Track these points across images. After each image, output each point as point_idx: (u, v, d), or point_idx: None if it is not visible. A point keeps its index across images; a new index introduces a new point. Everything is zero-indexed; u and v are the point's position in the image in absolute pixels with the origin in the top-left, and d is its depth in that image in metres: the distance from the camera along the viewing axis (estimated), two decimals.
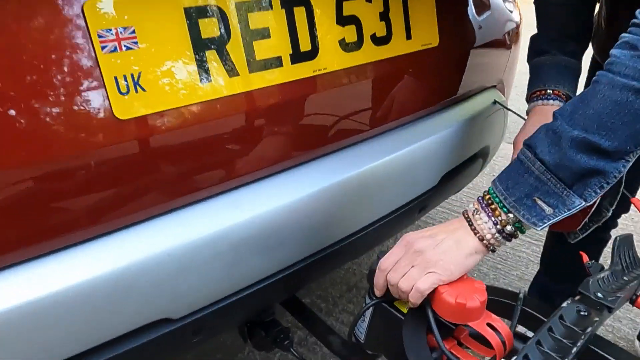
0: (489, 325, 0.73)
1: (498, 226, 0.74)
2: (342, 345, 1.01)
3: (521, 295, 0.81)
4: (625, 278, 0.89)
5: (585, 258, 0.99)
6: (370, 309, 0.86)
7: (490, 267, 1.93)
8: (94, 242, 0.66)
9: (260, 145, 0.80)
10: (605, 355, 0.71)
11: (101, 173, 0.64)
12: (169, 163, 0.70)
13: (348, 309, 1.70)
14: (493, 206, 0.74)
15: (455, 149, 1.15)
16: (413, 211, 1.11)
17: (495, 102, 1.25)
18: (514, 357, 0.65)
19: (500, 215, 0.74)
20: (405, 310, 0.84)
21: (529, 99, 1.10)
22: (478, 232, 0.74)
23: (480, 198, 0.77)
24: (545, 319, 0.78)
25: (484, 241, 0.74)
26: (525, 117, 1.11)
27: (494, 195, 0.75)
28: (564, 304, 0.76)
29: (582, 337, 0.69)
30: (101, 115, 0.62)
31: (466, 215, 0.77)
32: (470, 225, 0.75)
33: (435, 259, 0.73)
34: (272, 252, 0.83)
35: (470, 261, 0.74)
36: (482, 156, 1.30)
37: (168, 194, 0.72)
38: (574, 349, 0.67)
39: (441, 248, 0.74)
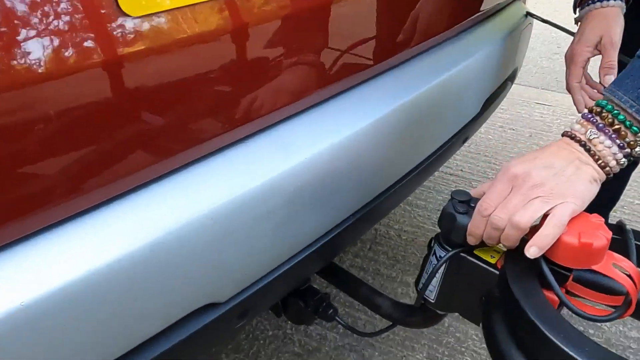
0: (615, 267, 0.59)
1: (626, 149, 0.60)
2: (393, 307, 0.86)
3: (628, 227, 0.68)
4: None
5: None
6: (446, 263, 0.71)
7: None
8: (106, 209, 0.45)
9: (309, 67, 0.59)
10: None
11: (101, 111, 0.42)
12: (194, 90, 0.49)
13: (356, 263, 1.57)
14: (617, 126, 0.59)
15: (495, 70, 0.99)
16: (458, 143, 0.95)
17: (528, 14, 1.08)
18: None
19: (627, 136, 0.59)
20: (490, 259, 0.69)
21: (580, 4, 0.95)
22: (600, 159, 0.60)
23: (590, 117, 0.62)
24: None
25: (607, 168, 0.60)
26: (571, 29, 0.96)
27: (615, 111, 0.60)
28: None
29: None
30: (103, 11, 0.40)
31: (579, 139, 0.61)
32: (589, 150, 0.60)
33: (562, 190, 0.58)
34: (327, 205, 0.65)
35: (594, 190, 0.60)
36: (511, 79, 1.15)
37: (200, 133, 0.51)
38: None
39: (564, 176, 0.59)
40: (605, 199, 1.38)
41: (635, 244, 0.67)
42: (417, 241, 1.67)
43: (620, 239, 0.69)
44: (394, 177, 0.78)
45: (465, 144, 2.22)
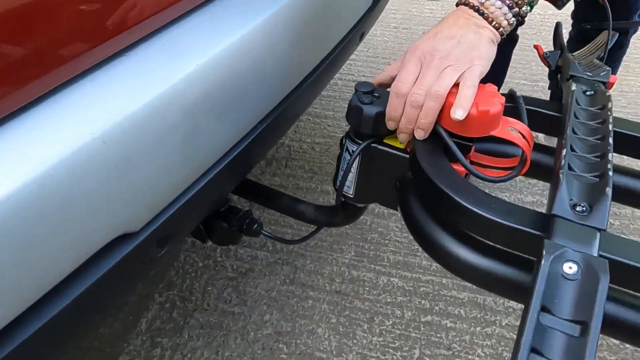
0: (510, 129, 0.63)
1: (514, 9, 0.64)
2: (316, 211, 0.87)
3: (519, 94, 0.72)
4: (593, 61, 0.85)
5: (541, 49, 0.93)
6: (359, 156, 0.72)
7: None
8: None
9: None
10: (628, 132, 0.67)
11: None
12: None
13: (275, 182, 1.57)
14: None
15: None
16: (355, 39, 0.93)
17: None
18: (562, 163, 0.56)
19: None
20: (400, 145, 0.71)
21: None
22: (493, 20, 0.64)
23: None
24: (548, 112, 0.71)
25: (500, 29, 0.66)
26: None
27: None
28: (573, 88, 0.69)
29: (609, 113, 0.63)
30: None
31: (472, 4, 0.63)
32: (482, 14, 0.63)
33: (468, 55, 0.62)
34: (232, 113, 0.62)
35: (493, 50, 0.66)
36: None
37: (74, 46, 0.44)
38: (609, 126, 0.61)
39: (467, 43, 0.63)
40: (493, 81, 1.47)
41: (526, 108, 0.72)
42: (331, 150, 1.69)
43: (512, 105, 0.73)
44: (297, 77, 0.76)
45: (364, 49, 2.22)
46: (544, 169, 0.75)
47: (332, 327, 1.18)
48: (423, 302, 1.24)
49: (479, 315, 1.21)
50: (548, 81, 0.97)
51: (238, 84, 0.60)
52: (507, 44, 1.46)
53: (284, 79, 0.72)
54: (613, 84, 0.81)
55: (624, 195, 0.72)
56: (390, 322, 1.20)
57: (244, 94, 0.64)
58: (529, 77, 2.04)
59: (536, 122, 0.73)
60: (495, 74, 1.45)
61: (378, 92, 0.70)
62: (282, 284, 1.27)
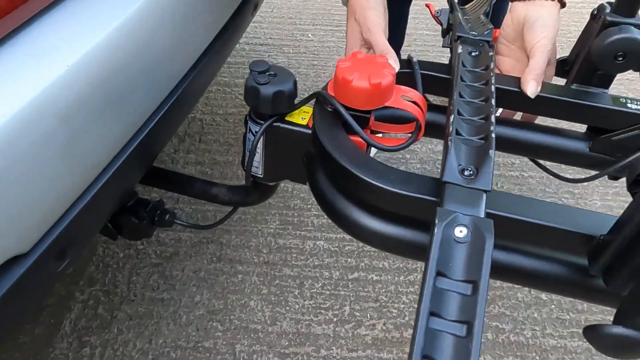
0: (404, 98, 0.65)
1: None
2: (230, 192, 0.86)
3: (415, 59, 0.74)
4: (479, 17, 0.88)
5: (432, 8, 0.95)
6: (263, 136, 0.71)
7: (307, 66, 1.88)
8: None
9: None
10: (508, 87, 0.71)
11: None
12: None
13: (190, 159, 1.52)
14: None
15: None
16: (249, 11, 0.90)
17: None
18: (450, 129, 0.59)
19: None
20: (301, 121, 0.71)
21: None
22: None
23: None
24: (442, 75, 0.74)
25: None
26: None
27: None
28: (459, 50, 0.71)
29: (492, 73, 0.66)
30: None
31: None
32: None
33: None
34: (121, 108, 0.58)
35: None
36: None
37: None
38: (492, 87, 0.64)
39: None
40: (392, 42, 1.49)
41: (421, 73, 0.74)
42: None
43: (410, 71, 0.75)
44: (190, 57, 0.72)
45: (268, 10, 2.16)
46: (441, 128, 0.79)
47: (264, 298, 1.21)
48: (349, 260, 1.29)
49: (401, 265, 1.28)
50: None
51: (121, 77, 0.57)
52: (403, 2, 1.48)
53: (175, 62, 0.69)
54: (497, 37, 0.85)
55: (512, 146, 0.78)
56: (320, 284, 1.24)
57: (131, 85, 0.60)
58: (432, 27, 2.09)
59: (432, 85, 0.76)
60: (394, 34, 1.48)
61: (274, 69, 0.69)
62: (210, 263, 1.27)
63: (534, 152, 0.77)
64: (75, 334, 1.12)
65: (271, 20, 2.11)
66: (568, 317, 1.20)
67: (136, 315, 1.16)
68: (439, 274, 0.47)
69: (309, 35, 2.05)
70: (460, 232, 0.49)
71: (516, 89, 0.72)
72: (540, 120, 0.80)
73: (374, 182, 0.57)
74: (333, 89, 0.66)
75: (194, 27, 0.71)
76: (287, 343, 1.13)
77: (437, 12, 0.93)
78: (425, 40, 2.02)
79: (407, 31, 2.00)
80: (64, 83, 0.49)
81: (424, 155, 1.56)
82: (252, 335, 1.14)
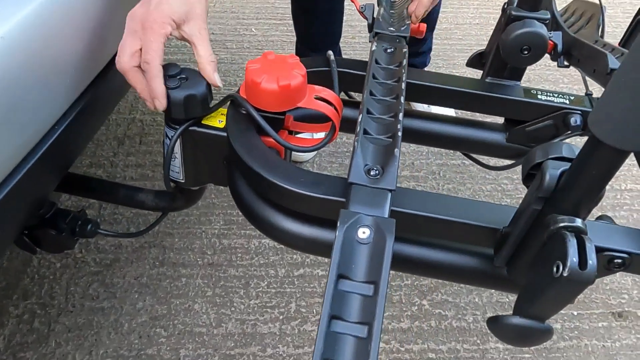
0: (317, 98, 0.65)
1: None
2: (156, 197, 0.84)
3: (332, 57, 0.74)
4: (393, 10, 0.89)
5: (357, 3, 0.95)
6: (179, 141, 0.70)
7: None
8: None
9: None
10: (423, 82, 0.72)
11: None
12: None
13: (131, 162, 1.48)
14: None
15: None
16: None
17: None
18: (359, 121, 0.59)
19: None
20: (218, 124, 0.70)
21: None
22: None
23: None
24: (361, 72, 0.74)
25: None
26: None
27: None
28: (373, 48, 0.71)
29: (403, 70, 0.67)
30: None
31: None
32: None
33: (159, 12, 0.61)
34: (16, 118, 0.55)
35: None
36: None
37: None
38: (402, 84, 0.65)
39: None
40: (328, 36, 1.49)
41: (340, 71, 0.74)
42: None
43: (328, 69, 0.75)
44: (95, 65, 0.70)
45: (211, 5, 2.11)
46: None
47: (208, 300, 1.19)
48: (294, 256, 1.29)
49: None
50: None
51: (17, 85, 0.54)
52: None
53: (79, 70, 0.66)
54: (423, 32, 0.86)
55: (435, 139, 0.79)
56: (265, 282, 1.24)
57: (29, 93, 0.57)
58: None
59: (352, 83, 0.76)
60: (327, 29, 1.47)
61: (185, 73, 0.67)
62: (152, 268, 1.24)
63: (455, 144, 0.78)
64: (10, 351, 1.08)
65: (213, 15, 2.07)
66: (507, 299, 1.23)
67: (75, 326, 1.13)
68: (342, 276, 0.47)
69: (253, 29, 2.02)
70: (363, 233, 0.49)
71: (435, 85, 0.72)
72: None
73: (283, 185, 0.57)
74: (245, 91, 0.65)
75: (97, 34, 0.68)
76: (233, 344, 1.12)
77: (362, 7, 0.93)
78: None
79: (352, 23, 2.01)
80: None
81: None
82: (196, 339, 1.12)
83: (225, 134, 0.69)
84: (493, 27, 0.84)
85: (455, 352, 1.13)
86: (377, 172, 0.54)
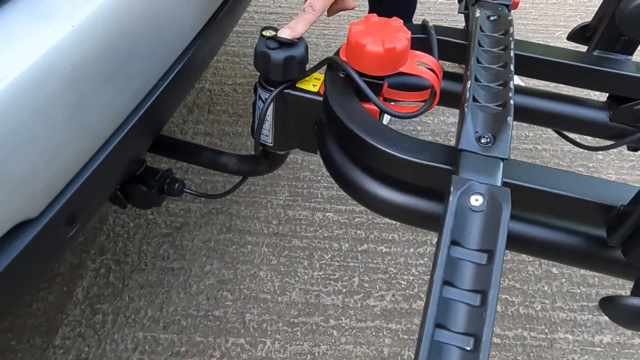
0: (418, 64, 0.63)
1: None
2: (240, 161, 0.85)
3: (430, 24, 0.71)
4: None
5: None
6: (272, 104, 0.70)
7: (318, 35, 1.84)
8: None
9: None
10: (526, 53, 0.69)
11: None
12: None
13: (199, 130, 1.51)
14: None
15: None
16: None
17: None
18: (468, 87, 0.57)
19: None
20: (312, 88, 0.70)
21: None
22: None
23: None
24: (460, 41, 0.71)
25: None
26: None
27: None
28: (477, 14, 0.68)
29: (511, 39, 0.64)
30: None
31: None
32: None
33: None
34: (130, 69, 0.57)
35: None
36: None
37: None
38: (511, 53, 0.62)
39: None
40: (404, 9, 1.45)
41: (437, 39, 0.72)
42: None
43: (425, 36, 0.73)
44: (197, 23, 0.70)
45: None
46: (458, 97, 0.77)
47: (273, 269, 1.21)
48: (359, 232, 1.28)
49: (411, 238, 1.27)
50: None
51: (127, 41, 0.55)
52: None
53: (181, 27, 0.67)
54: (517, 3, 0.81)
55: (530, 115, 0.76)
56: (329, 255, 1.24)
57: (137, 49, 0.58)
58: None
59: (448, 51, 0.73)
60: (404, 6, 1.43)
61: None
62: (219, 233, 1.27)
63: (553, 121, 0.75)
64: (88, 302, 1.14)
65: None
66: (579, 290, 1.19)
67: (147, 284, 1.17)
68: (454, 242, 0.46)
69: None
70: (476, 200, 0.48)
71: (537, 56, 0.69)
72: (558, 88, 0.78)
73: (387, 150, 0.55)
74: (345, 54, 0.63)
75: None
76: (296, 313, 1.13)
77: None
78: (438, 9, 1.97)
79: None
80: (69, 44, 0.47)
81: (436, 127, 1.54)
82: (261, 305, 1.14)
83: (319, 98, 0.68)
84: (571, 8, 0.79)
85: (522, 339, 1.10)
86: (488, 140, 0.52)
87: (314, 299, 1.16)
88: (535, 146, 1.49)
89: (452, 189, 0.48)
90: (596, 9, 0.77)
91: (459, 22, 1.87)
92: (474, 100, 0.56)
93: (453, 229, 0.46)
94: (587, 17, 2.01)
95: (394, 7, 1.44)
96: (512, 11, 0.78)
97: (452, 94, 0.75)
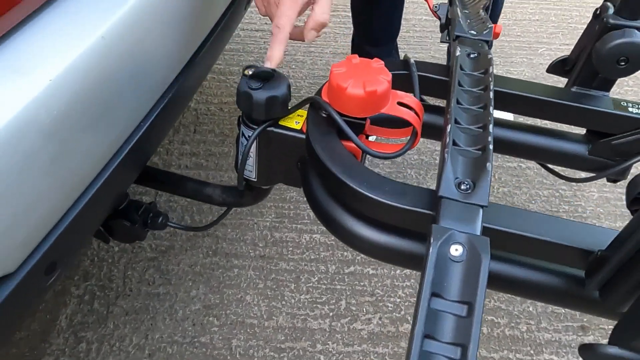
0: (400, 104, 0.64)
1: None
2: (224, 193, 0.85)
3: (412, 61, 0.72)
4: (479, 12, 0.86)
5: (430, 2, 0.93)
6: (256, 140, 0.70)
7: (304, 53, 1.85)
8: None
9: None
10: (506, 90, 0.70)
11: None
12: None
13: (185, 150, 1.50)
14: None
15: None
16: (241, 6, 0.87)
17: None
18: (446, 148, 0.57)
19: None
20: (295, 126, 0.70)
21: None
22: None
23: None
24: (441, 77, 0.72)
25: None
26: None
27: None
28: (457, 53, 0.69)
29: (490, 78, 0.65)
30: None
31: None
32: None
33: None
34: (106, 120, 0.56)
35: None
36: None
37: None
38: (490, 93, 0.62)
39: None
40: (388, 30, 1.46)
41: (419, 75, 0.72)
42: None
43: (407, 72, 0.73)
44: (181, 58, 0.70)
45: None
46: (439, 130, 0.77)
47: (260, 293, 1.20)
48: (345, 254, 1.29)
49: None
50: None
51: (109, 86, 0.55)
52: None
53: (165, 64, 0.67)
54: (498, 33, 0.83)
55: (511, 148, 0.77)
56: (316, 278, 1.24)
57: (120, 93, 0.58)
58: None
59: (430, 87, 0.74)
60: (389, 21, 1.44)
61: (267, 74, 0.67)
62: (205, 257, 1.26)
63: (533, 154, 0.76)
64: (72, 330, 1.13)
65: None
66: (563, 311, 1.20)
67: (132, 310, 1.16)
68: (435, 294, 0.46)
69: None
70: (456, 250, 0.48)
71: (517, 92, 0.70)
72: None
73: (368, 194, 0.56)
74: (327, 94, 0.64)
75: (185, 27, 0.69)
76: (283, 338, 1.13)
77: (436, 7, 0.91)
78: (424, 26, 1.98)
79: (405, 16, 1.96)
80: (47, 98, 0.47)
81: (421, 146, 1.55)
82: (248, 330, 1.14)
83: (302, 136, 0.68)
84: (554, 25, 0.80)
85: None
86: (468, 186, 0.53)
87: (301, 323, 1.16)
88: (519, 164, 1.50)
89: (432, 240, 0.48)
90: (577, 25, 0.79)
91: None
92: (454, 144, 0.56)
93: (433, 280, 0.47)
94: (569, 33, 2.04)
95: (379, 28, 1.45)
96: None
97: (434, 127, 0.76)
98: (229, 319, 1.16)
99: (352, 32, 1.58)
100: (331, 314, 1.18)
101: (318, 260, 1.27)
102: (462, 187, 0.53)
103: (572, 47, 0.79)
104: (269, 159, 0.72)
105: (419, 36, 1.94)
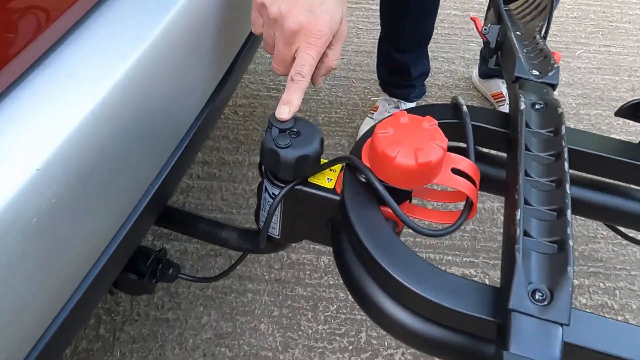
0: (453, 171, 0.54)
1: None
2: (240, 237, 0.76)
3: (465, 108, 0.61)
4: (535, 37, 0.75)
5: (479, 23, 0.81)
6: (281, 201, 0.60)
7: None
8: None
9: None
10: (579, 148, 0.59)
11: None
12: None
13: (197, 159, 1.41)
14: None
15: None
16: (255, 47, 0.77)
17: None
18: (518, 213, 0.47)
19: None
20: (327, 184, 0.60)
21: None
22: None
23: None
24: (499, 129, 0.62)
25: None
26: None
27: None
28: (522, 106, 0.58)
29: (563, 142, 0.54)
30: None
31: None
32: None
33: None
34: (107, 199, 0.47)
35: None
36: None
37: None
38: (565, 164, 0.52)
39: None
40: (419, 37, 1.34)
41: (472, 124, 0.62)
42: (256, 113, 1.53)
43: (457, 122, 0.63)
44: (193, 110, 0.61)
45: None
46: (497, 183, 0.68)
47: (275, 321, 1.13)
48: None
49: None
50: (484, 9, 0.86)
51: (109, 164, 0.45)
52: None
53: (176, 120, 0.57)
54: (558, 60, 0.72)
55: (582, 209, 0.66)
56: (335, 306, 1.16)
57: (121, 168, 0.49)
58: (460, 6, 1.90)
59: (483, 136, 0.64)
60: (419, 33, 1.31)
61: (297, 126, 0.57)
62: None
63: (609, 216, 0.66)
64: (76, 358, 1.06)
65: None
66: None
67: (140, 337, 1.10)
68: None
69: None
70: None
71: (587, 150, 0.60)
72: None
73: (416, 291, 0.47)
74: (368, 158, 0.54)
75: (200, 74, 0.59)
76: None
77: (485, 29, 0.79)
78: (452, 22, 1.85)
79: None
80: (33, 191, 0.38)
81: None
82: None
83: (335, 197, 0.59)
84: (593, 23, 0.69)
85: None
86: (543, 295, 0.43)
87: (318, 357, 1.09)
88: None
89: None
90: (617, 24, 0.68)
91: (474, 36, 1.76)
92: (525, 234, 0.47)
93: None
94: (609, 33, 1.89)
95: (409, 35, 1.32)
96: None
97: (492, 180, 0.66)
98: (241, 350, 1.09)
99: (375, 27, 1.46)
100: (350, 347, 1.10)
101: (337, 286, 1.19)
102: (537, 296, 0.43)
103: (612, 49, 0.68)
104: (296, 217, 0.63)
105: (447, 33, 1.80)
